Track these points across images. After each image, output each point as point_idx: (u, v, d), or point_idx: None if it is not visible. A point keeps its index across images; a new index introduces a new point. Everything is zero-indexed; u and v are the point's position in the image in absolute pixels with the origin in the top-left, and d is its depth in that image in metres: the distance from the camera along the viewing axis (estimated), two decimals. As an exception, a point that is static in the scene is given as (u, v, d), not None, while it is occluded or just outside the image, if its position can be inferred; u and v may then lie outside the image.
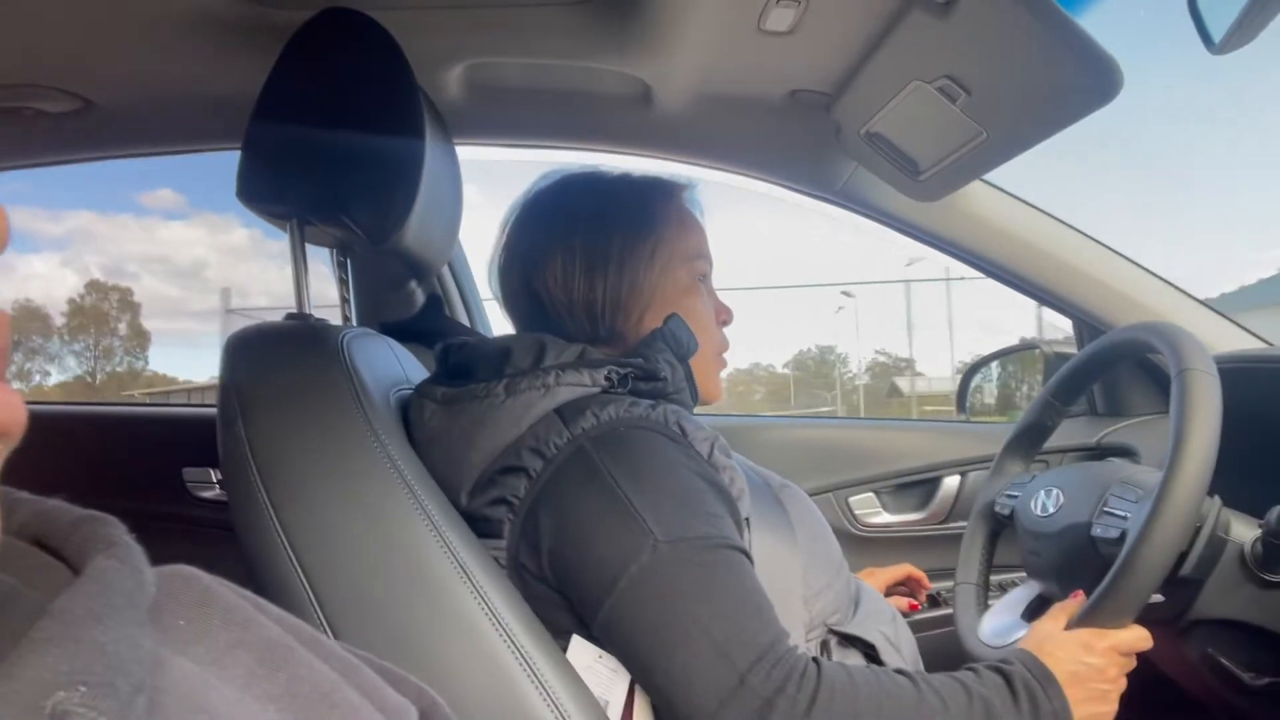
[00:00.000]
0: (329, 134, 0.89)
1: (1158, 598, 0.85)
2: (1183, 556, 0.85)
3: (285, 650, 0.32)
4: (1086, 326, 1.46)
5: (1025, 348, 1.63)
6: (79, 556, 0.27)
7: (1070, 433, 1.48)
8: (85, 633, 0.23)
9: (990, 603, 1.09)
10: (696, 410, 0.96)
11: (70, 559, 0.27)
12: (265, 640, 0.31)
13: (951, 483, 1.51)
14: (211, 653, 0.29)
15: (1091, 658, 0.82)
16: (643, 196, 0.97)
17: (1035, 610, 1.01)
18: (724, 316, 1.02)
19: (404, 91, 0.92)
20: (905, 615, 1.06)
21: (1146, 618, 0.85)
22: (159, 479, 1.44)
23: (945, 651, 1.11)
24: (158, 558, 0.33)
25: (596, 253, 0.92)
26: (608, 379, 0.87)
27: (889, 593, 1.23)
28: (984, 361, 1.68)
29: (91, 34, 1.04)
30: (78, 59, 1.11)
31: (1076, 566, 0.95)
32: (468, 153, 1.29)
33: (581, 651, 0.79)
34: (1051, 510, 1.00)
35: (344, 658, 0.34)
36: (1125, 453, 1.38)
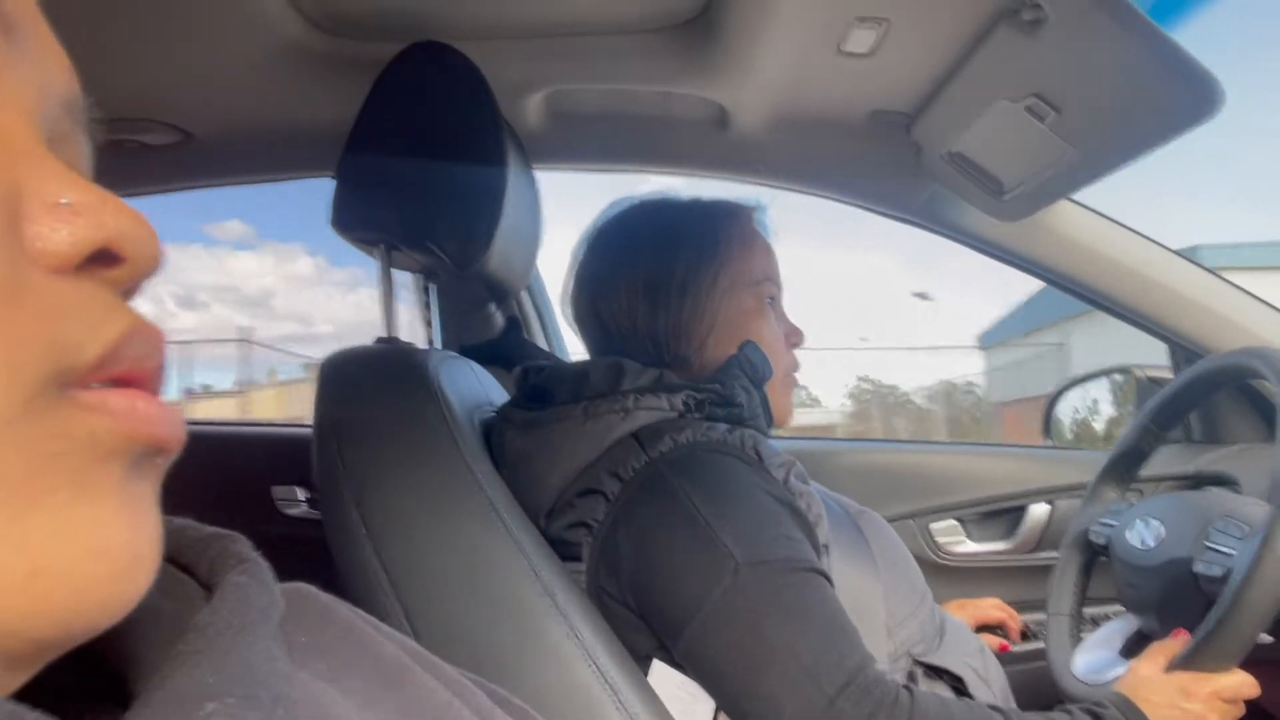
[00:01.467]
0: (418, 163, 0.92)
1: (1266, 638, 0.81)
2: (1293, 598, 0.80)
3: (401, 669, 0.32)
4: (1183, 351, 1.40)
5: (1116, 371, 1.57)
6: (211, 573, 0.28)
7: (1166, 460, 1.41)
8: (229, 645, 0.24)
9: (1084, 636, 1.05)
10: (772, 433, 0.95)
11: (202, 576, 0.28)
12: (382, 658, 0.32)
13: (1039, 511, 1.46)
14: (332, 669, 0.30)
15: (1191, 704, 0.78)
16: (707, 220, 0.97)
17: (1133, 646, 0.97)
18: (794, 339, 1.01)
19: (488, 120, 0.95)
20: (997, 656, 1.03)
21: (1254, 660, 0.81)
22: (248, 496, 1.48)
23: (1036, 688, 1.07)
24: None
25: (659, 280, 0.92)
26: (685, 404, 0.87)
27: (978, 630, 1.19)
28: (1072, 385, 1.62)
29: (192, 69, 1.09)
30: (179, 93, 1.17)
31: (1177, 603, 0.91)
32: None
33: (664, 677, 0.78)
34: (1151, 543, 0.96)
35: (457, 679, 0.35)
36: (1225, 482, 1.32)
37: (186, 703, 0.22)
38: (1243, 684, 0.81)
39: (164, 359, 0.25)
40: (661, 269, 0.92)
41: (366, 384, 0.87)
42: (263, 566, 0.29)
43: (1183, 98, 0.84)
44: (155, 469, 0.24)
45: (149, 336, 0.24)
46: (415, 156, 0.91)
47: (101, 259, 0.23)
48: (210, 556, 0.29)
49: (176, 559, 0.29)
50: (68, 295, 0.22)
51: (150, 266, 0.24)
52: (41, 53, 0.25)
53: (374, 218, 0.94)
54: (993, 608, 1.21)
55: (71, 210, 0.22)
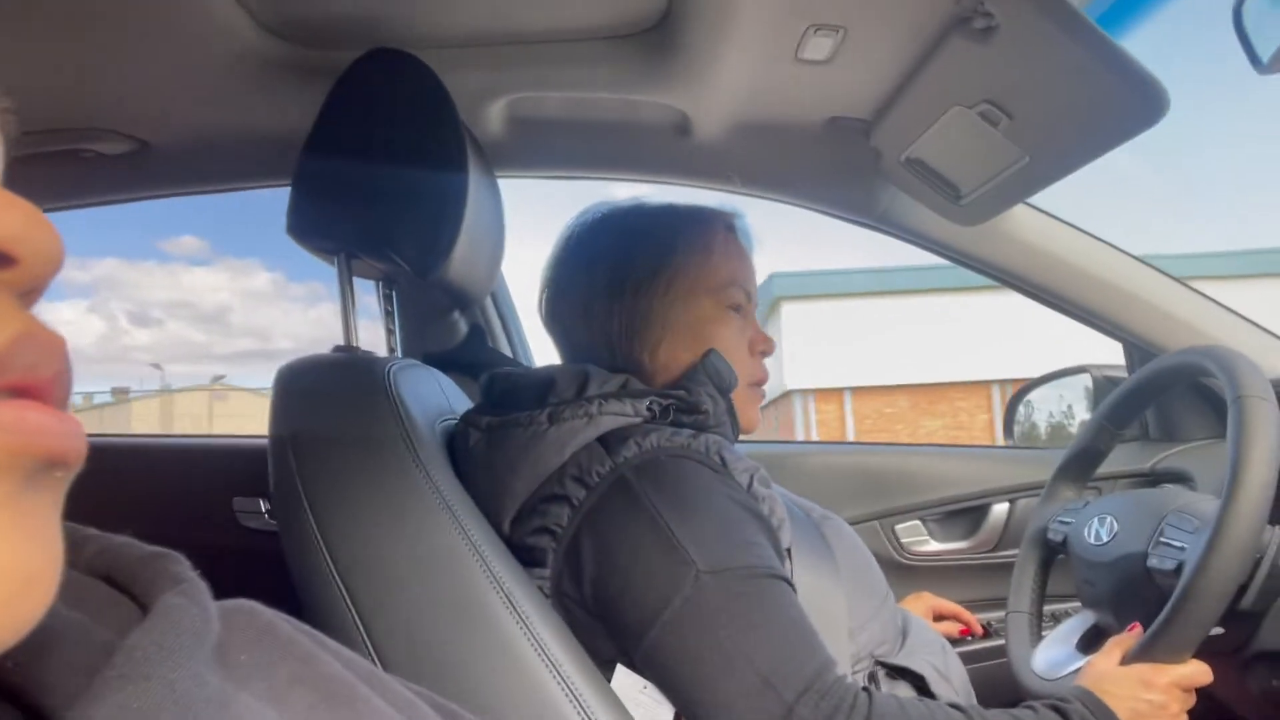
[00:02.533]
0: (376, 170, 0.91)
1: (1218, 630, 0.83)
2: (1243, 589, 0.82)
3: (347, 687, 0.32)
4: (1137, 350, 1.43)
5: (1074, 371, 1.60)
6: (147, 594, 0.27)
7: (1123, 458, 1.44)
8: (156, 670, 0.24)
9: (1044, 633, 1.07)
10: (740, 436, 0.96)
11: (138, 596, 0.28)
12: (326, 676, 0.32)
13: (1000, 510, 1.48)
14: (273, 689, 0.30)
15: (1152, 694, 0.80)
16: (668, 224, 0.97)
17: (1090, 641, 0.98)
18: (762, 346, 1.00)
19: (447, 127, 0.94)
20: (955, 642, 1.04)
21: (1206, 650, 0.83)
22: (209, 509, 1.46)
23: (997, 683, 1.08)
24: (210, 588, 0.33)
25: (615, 281, 0.93)
26: (650, 410, 0.87)
27: (936, 619, 1.21)
28: (1032, 385, 1.65)
29: (146, 77, 1.08)
30: (133, 101, 1.15)
31: (1132, 597, 0.93)
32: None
33: (626, 682, 0.78)
34: (1105, 539, 0.98)
35: (403, 694, 0.34)
36: (1180, 479, 1.35)
37: None
38: (1198, 672, 0.82)
39: (64, 366, 0.23)
40: (618, 270, 0.93)
41: (323, 393, 0.86)
42: (199, 587, 0.28)
43: (1130, 103, 0.86)
44: (55, 482, 0.23)
45: (44, 343, 0.23)
46: (373, 164, 0.91)
47: None
48: (147, 576, 0.28)
49: (113, 577, 0.28)
50: None
51: (48, 269, 0.23)
52: None
53: (332, 226, 0.94)
54: (946, 602, 1.22)
55: None
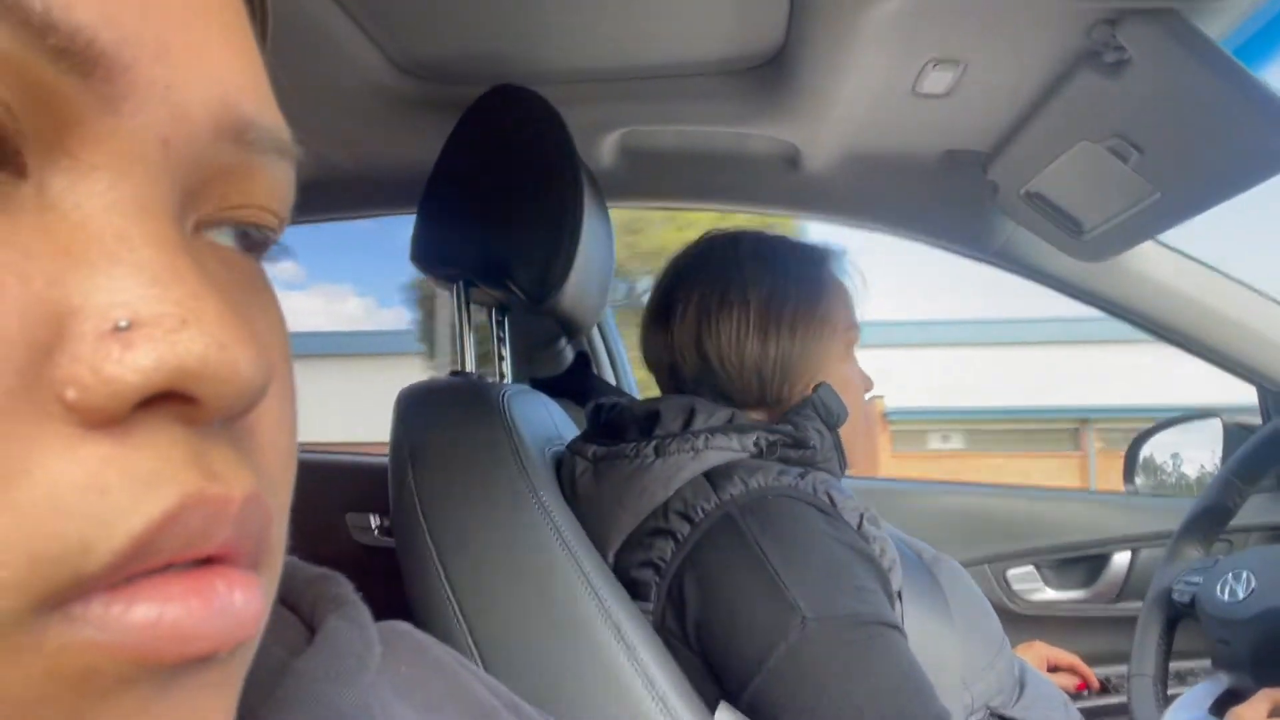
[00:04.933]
0: (496, 201, 0.94)
1: None
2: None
3: (490, 712, 0.33)
4: (1272, 396, 1.35)
5: (1202, 415, 1.51)
6: (313, 615, 0.28)
7: (1257, 510, 1.35)
8: (323, 693, 0.25)
9: (1171, 695, 1.01)
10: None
11: (304, 616, 0.29)
12: (472, 698, 0.33)
13: (1121, 560, 1.41)
14: (428, 702, 0.31)
15: None
16: (812, 261, 0.96)
17: (1223, 706, 0.92)
18: (868, 386, 1.00)
19: (565, 160, 0.97)
20: (1072, 697, 1.00)
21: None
22: (325, 523, 1.52)
23: (1118, 745, 1.03)
24: None
25: (770, 315, 0.90)
26: (756, 445, 0.86)
27: (1050, 670, 1.15)
28: (1155, 429, 1.57)
29: (279, 106, 1.14)
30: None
31: (1274, 656, 0.87)
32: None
33: (729, 719, 0.77)
34: (1242, 595, 0.92)
35: None
36: (1321, 533, 1.26)
37: None
38: None
39: (246, 528, 0.18)
40: (773, 304, 0.91)
41: (440, 414, 0.89)
42: (362, 609, 0.29)
43: (1270, 140, 0.82)
44: (220, 667, 0.18)
45: (213, 505, 0.17)
46: (494, 195, 0.94)
47: (167, 398, 0.17)
48: (312, 597, 0.29)
49: (284, 598, 0.29)
50: (88, 466, 0.16)
51: (235, 407, 0.18)
52: (174, 74, 0.18)
53: (453, 254, 0.97)
54: (1063, 654, 1.17)
55: (128, 336, 0.16)
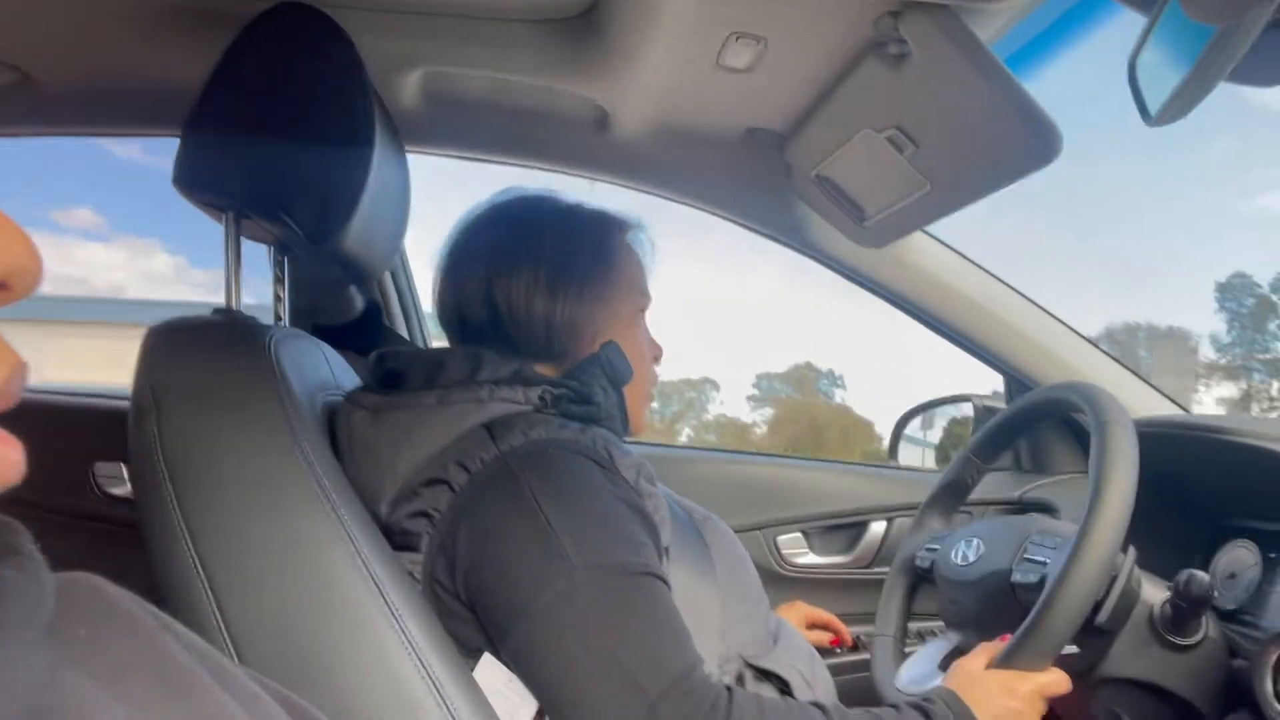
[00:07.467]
0: (275, 127, 0.87)
1: (1072, 649, 0.86)
2: (1098, 605, 0.86)
3: (187, 674, 0.30)
4: (1015, 383, 1.50)
5: (958, 399, 1.66)
6: None
7: (993, 487, 1.50)
8: None
9: (908, 652, 1.10)
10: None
11: None
12: (169, 663, 0.30)
13: (878, 528, 1.52)
14: (110, 668, 0.28)
15: (1013, 701, 0.83)
16: (604, 226, 0.98)
17: (950, 660, 1.02)
18: (656, 353, 1.03)
19: (356, 92, 0.91)
20: (825, 653, 1.07)
21: (1059, 667, 0.86)
22: (67, 472, 1.37)
23: (864, 696, 1.11)
24: (62, 557, 0.30)
25: (561, 273, 0.91)
26: (541, 398, 0.87)
27: (808, 627, 1.23)
28: (918, 409, 1.70)
29: (34, 6, 1.01)
30: (17, 29, 1.07)
31: (995, 613, 0.97)
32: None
33: (491, 673, 0.77)
34: (971, 559, 1.01)
35: (248, 687, 0.32)
36: (1046, 508, 1.41)
37: None
38: (1058, 681, 0.86)
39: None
40: (564, 262, 0.92)
41: (194, 352, 0.81)
42: (36, 561, 0.27)
43: (1027, 142, 0.90)
44: None
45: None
46: (272, 120, 0.86)
47: None
48: None
49: None
50: None
51: (30, 293, 0.23)
52: None
53: (223, 180, 0.89)
54: (821, 612, 1.25)
55: None
